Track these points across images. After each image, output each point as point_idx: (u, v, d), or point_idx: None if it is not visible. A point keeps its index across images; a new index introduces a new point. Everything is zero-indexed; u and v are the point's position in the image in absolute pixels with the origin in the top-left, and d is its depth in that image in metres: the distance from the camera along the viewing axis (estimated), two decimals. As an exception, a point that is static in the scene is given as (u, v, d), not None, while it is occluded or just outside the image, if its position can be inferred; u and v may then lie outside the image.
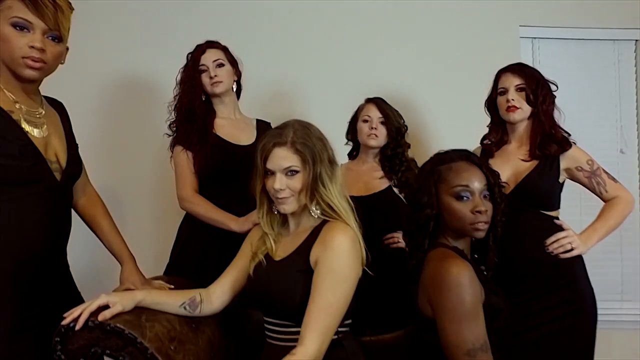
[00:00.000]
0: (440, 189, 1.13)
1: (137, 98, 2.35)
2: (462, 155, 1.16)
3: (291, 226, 1.19)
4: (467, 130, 2.13)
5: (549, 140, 1.46)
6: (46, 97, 1.26)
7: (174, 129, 1.56)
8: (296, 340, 1.05)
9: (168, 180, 2.30)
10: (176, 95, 1.57)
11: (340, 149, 1.84)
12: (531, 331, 1.38)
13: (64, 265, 1.23)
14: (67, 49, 1.19)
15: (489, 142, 1.57)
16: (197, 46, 1.60)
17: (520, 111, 1.48)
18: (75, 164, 1.21)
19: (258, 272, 1.17)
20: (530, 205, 1.44)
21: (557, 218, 1.48)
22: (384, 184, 1.63)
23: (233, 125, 1.62)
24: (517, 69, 1.52)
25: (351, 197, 1.55)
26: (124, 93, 2.35)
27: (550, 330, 1.38)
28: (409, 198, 1.19)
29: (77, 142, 1.30)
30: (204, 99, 1.60)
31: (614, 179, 1.48)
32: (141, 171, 2.33)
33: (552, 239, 1.38)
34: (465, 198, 1.10)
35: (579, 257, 1.43)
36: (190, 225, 1.56)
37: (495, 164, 1.49)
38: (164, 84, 2.31)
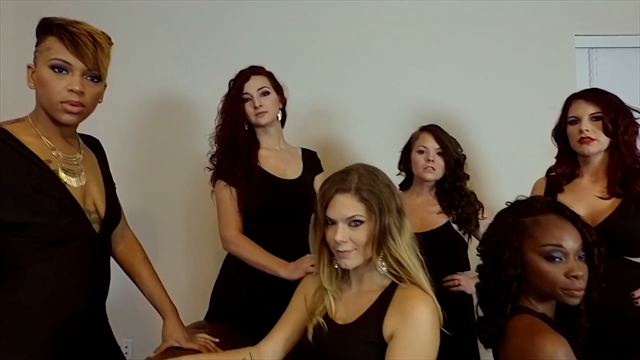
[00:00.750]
0: (525, 245, 0.98)
1: (170, 120, 2.29)
2: (551, 206, 1.01)
3: (353, 283, 1.07)
4: (523, 151, 2.01)
5: (633, 177, 1.30)
6: (81, 135, 1.18)
7: (216, 162, 1.45)
8: None
9: (201, 202, 2.22)
10: (217, 126, 1.46)
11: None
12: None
13: (104, 319, 1.15)
14: (105, 85, 1.10)
15: (557, 175, 1.41)
16: (241, 73, 1.48)
17: (597, 143, 1.31)
18: (114, 212, 1.12)
19: (318, 338, 1.05)
20: (612, 251, 1.28)
21: None
22: (441, 219, 1.50)
23: (278, 157, 1.50)
24: (592, 95, 1.35)
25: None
26: (157, 115, 2.28)
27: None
28: (484, 251, 1.05)
29: (110, 163, 1.22)
30: (246, 128, 1.48)
31: None
32: (174, 193, 2.26)
33: None
34: (557, 259, 0.96)
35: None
36: (234, 267, 1.44)
37: (566, 200, 1.34)
38: (198, 106, 2.25)
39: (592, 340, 1.26)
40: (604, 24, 2.14)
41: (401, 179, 1.63)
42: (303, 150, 1.61)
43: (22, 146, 0.97)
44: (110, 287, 1.42)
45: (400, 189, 1.63)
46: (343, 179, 1.02)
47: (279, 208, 1.41)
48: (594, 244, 0.97)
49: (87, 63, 0.97)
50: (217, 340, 1.21)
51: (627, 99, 2.08)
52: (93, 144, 1.20)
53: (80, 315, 1.02)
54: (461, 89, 2.12)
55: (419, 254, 1.05)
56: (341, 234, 0.99)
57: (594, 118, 1.33)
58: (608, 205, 1.31)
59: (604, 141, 1.32)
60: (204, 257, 2.24)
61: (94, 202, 1.07)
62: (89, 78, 1.00)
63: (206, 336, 1.21)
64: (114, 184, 1.23)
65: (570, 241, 0.96)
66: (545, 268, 0.96)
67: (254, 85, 1.45)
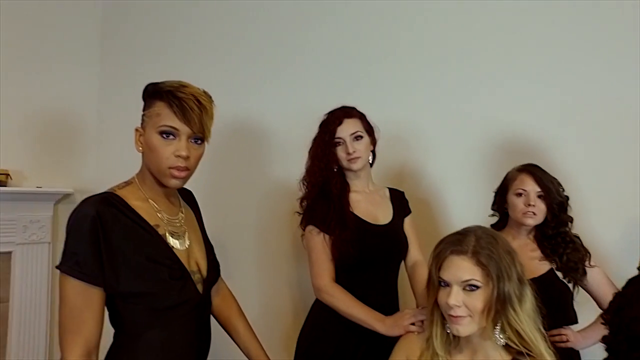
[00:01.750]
0: None
1: (241, 146, 2.32)
2: None
3: (466, 351, 1.02)
4: (629, 186, 1.82)
5: None
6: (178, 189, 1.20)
7: (306, 206, 1.43)
8: None
9: (272, 228, 2.26)
10: (308, 169, 1.44)
11: (478, 214, 1.64)
12: None
13: None
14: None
15: None
16: (332, 115, 1.45)
17: None
18: (214, 270, 1.14)
19: None
20: None
21: None
22: (544, 267, 1.39)
23: (368, 201, 1.47)
24: None
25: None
26: (229, 142, 2.32)
27: None
28: (616, 323, 0.95)
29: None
30: (335, 169, 1.45)
31: None
32: (246, 219, 2.29)
33: None
34: None
35: None
36: (324, 314, 1.40)
37: None
38: (269, 133, 2.27)
39: None
40: None
41: (494, 219, 1.54)
42: (390, 190, 1.57)
43: (134, 212, 1.00)
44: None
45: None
46: (460, 241, 0.99)
47: (373, 256, 1.38)
48: None
49: (193, 128, 0.99)
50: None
51: None
52: (189, 198, 1.22)
53: None
54: (553, 113, 1.94)
55: (540, 326, 0.98)
56: (455, 298, 0.95)
57: None
58: None
59: None
60: (275, 283, 2.26)
61: (197, 262, 1.08)
62: (193, 141, 1.02)
63: None
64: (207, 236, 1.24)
65: None
66: None
67: (346, 130, 1.41)
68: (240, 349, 1.25)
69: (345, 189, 1.43)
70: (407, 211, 1.56)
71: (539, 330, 0.97)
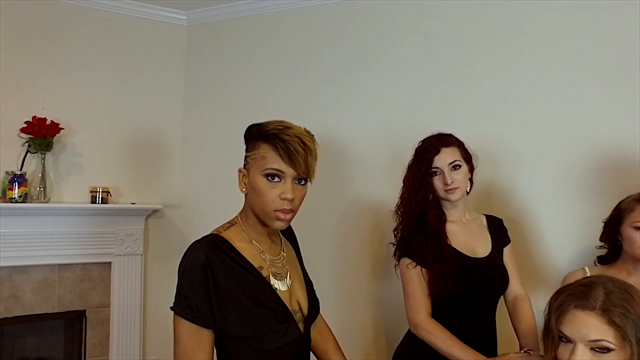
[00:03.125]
0: None
1: (324, 161, 2.32)
2: None
3: None
4: None
5: None
6: None
7: (400, 237, 1.39)
8: None
9: (350, 247, 2.25)
10: (403, 199, 1.39)
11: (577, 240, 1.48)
12: None
13: None
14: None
15: None
16: (428, 144, 1.39)
17: None
18: (315, 307, 1.13)
19: None
20: None
21: None
22: (665, 308, 1.25)
23: (466, 231, 1.40)
24: None
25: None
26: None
27: None
28: None
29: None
30: (430, 198, 1.39)
31: None
32: (327, 235, 2.30)
33: None
34: None
35: None
36: (418, 350, 1.34)
37: None
38: (351, 147, 2.26)
39: None
40: None
41: (602, 251, 1.41)
42: (488, 218, 1.49)
43: (239, 255, 1.00)
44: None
45: (599, 262, 1.41)
46: (585, 294, 0.90)
47: (472, 291, 1.31)
48: None
49: (299, 170, 0.99)
50: None
51: None
52: (289, 233, 1.22)
53: None
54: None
55: None
56: (580, 357, 0.86)
57: None
58: None
59: None
60: (355, 301, 2.25)
61: (298, 301, 1.08)
62: (297, 182, 1.01)
63: None
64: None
65: None
66: None
67: (445, 159, 1.35)
68: None
69: (442, 219, 1.38)
70: (507, 240, 1.47)
71: None
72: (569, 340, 0.89)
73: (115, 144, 2.44)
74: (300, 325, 1.05)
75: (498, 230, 1.46)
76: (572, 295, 0.91)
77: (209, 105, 2.58)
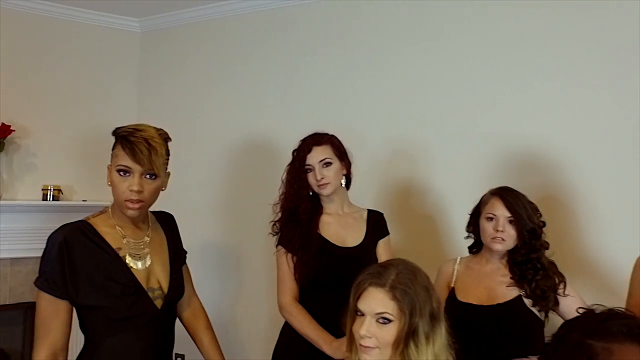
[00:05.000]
0: None
1: (254, 161, 2.46)
2: (633, 332, 0.81)
3: None
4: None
5: None
6: (156, 213, 1.35)
7: (277, 229, 1.52)
8: None
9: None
10: (281, 195, 1.52)
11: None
12: None
13: None
14: (169, 173, 1.27)
15: None
16: (303, 143, 1.51)
17: None
18: (177, 288, 1.27)
19: None
20: None
21: None
22: (512, 293, 1.33)
23: (340, 223, 1.51)
24: None
25: (470, 305, 1.34)
26: (242, 156, 2.48)
27: None
28: None
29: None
30: (311, 193, 1.51)
31: None
32: (257, 230, 2.41)
33: None
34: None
35: None
36: (290, 333, 1.47)
37: None
38: (279, 148, 2.38)
39: None
40: None
41: (470, 241, 1.50)
42: (369, 212, 1.59)
43: (100, 237, 1.18)
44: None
45: (470, 252, 1.50)
46: (380, 274, 1.02)
47: (335, 277, 1.41)
48: None
49: (143, 166, 1.14)
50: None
51: None
52: (165, 220, 1.36)
53: None
54: (561, 127, 1.85)
55: None
56: (366, 329, 0.98)
57: None
58: None
59: None
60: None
61: (158, 280, 1.23)
62: (147, 176, 1.17)
63: None
64: (184, 253, 1.38)
65: None
66: None
67: (315, 157, 1.47)
68: (204, 358, 1.37)
69: (316, 212, 1.49)
70: (384, 233, 1.57)
71: None
72: (362, 314, 1.00)
73: (70, 145, 2.59)
74: (158, 302, 1.20)
75: (376, 223, 1.56)
76: (370, 274, 1.02)
77: (161, 109, 2.72)
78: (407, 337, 0.96)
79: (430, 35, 2.09)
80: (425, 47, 2.09)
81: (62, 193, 2.51)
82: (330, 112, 2.28)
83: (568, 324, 0.91)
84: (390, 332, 0.97)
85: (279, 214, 1.51)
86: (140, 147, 1.13)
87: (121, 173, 1.15)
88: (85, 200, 2.57)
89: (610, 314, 0.85)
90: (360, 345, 0.99)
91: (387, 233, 1.58)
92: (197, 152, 2.60)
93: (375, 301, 0.98)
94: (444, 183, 2.06)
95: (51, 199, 2.45)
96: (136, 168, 1.14)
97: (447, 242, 2.04)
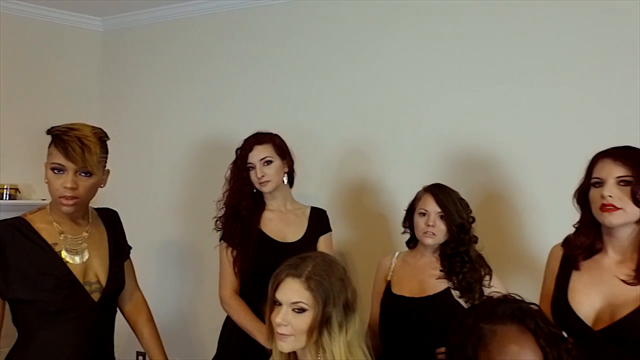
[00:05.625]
0: (480, 356, 0.89)
1: (212, 158, 2.47)
2: (514, 314, 0.88)
3: None
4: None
5: None
6: (99, 210, 1.37)
7: (220, 225, 1.56)
8: None
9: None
10: (224, 192, 1.56)
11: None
12: None
13: None
14: (108, 171, 1.29)
15: (575, 247, 1.21)
16: (245, 142, 1.57)
17: (621, 213, 1.08)
18: (115, 281, 1.29)
19: None
20: (633, 353, 1.06)
21: None
22: (441, 285, 1.39)
23: (282, 219, 1.56)
24: (622, 155, 1.11)
25: (403, 297, 1.39)
26: (201, 153, 2.50)
27: None
28: (447, 349, 0.97)
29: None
30: (255, 191, 1.56)
31: None
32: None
33: None
34: (509, 381, 0.85)
35: None
36: (231, 325, 1.52)
37: (582, 280, 1.16)
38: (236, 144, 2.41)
39: None
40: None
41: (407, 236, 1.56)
42: (312, 209, 1.64)
43: (35, 233, 1.20)
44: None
45: (408, 247, 1.56)
46: (297, 265, 1.06)
47: (272, 270, 1.45)
48: None
49: (76, 164, 1.16)
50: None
51: None
52: (107, 217, 1.38)
53: None
54: (506, 121, 1.92)
55: (366, 352, 1.03)
56: (282, 317, 1.02)
57: (621, 182, 1.10)
58: (633, 296, 1.08)
59: (631, 212, 1.09)
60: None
61: (96, 274, 1.25)
62: (81, 174, 1.19)
63: None
64: (128, 249, 1.40)
65: None
66: None
67: (257, 155, 1.52)
68: (144, 350, 1.40)
69: (258, 208, 1.54)
70: (325, 230, 1.62)
71: (363, 355, 1.03)
72: (280, 303, 1.04)
73: (30, 144, 2.56)
74: (95, 295, 1.23)
75: (318, 220, 1.62)
76: (288, 266, 1.06)
77: (124, 108, 2.72)
78: (321, 326, 1.00)
79: (381, 37, 2.15)
80: (376, 50, 2.16)
81: (19, 192, 2.50)
82: (287, 113, 2.32)
83: (467, 310, 0.98)
84: (305, 320, 1.01)
85: (222, 211, 1.54)
86: (73, 145, 1.15)
87: (55, 171, 1.17)
88: (44, 200, 2.55)
89: (500, 300, 0.93)
90: (277, 332, 1.03)
91: (329, 230, 1.63)
92: (159, 151, 2.62)
93: (291, 291, 1.02)
94: (395, 182, 2.12)
95: (7, 198, 2.43)
96: (69, 166, 1.17)
97: (399, 238, 2.07)
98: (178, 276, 2.57)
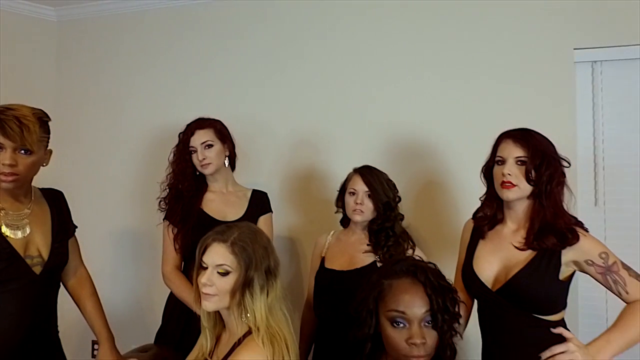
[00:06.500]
0: (379, 307, 1.01)
1: (172, 148, 2.52)
2: (409, 269, 1.02)
3: (225, 324, 1.18)
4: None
5: (548, 231, 1.20)
6: (44, 190, 1.41)
7: (164, 206, 1.63)
8: None
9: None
10: (168, 175, 1.63)
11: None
12: None
13: (52, 342, 1.37)
14: (50, 151, 1.33)
15: (481, 218, 1.35)
16: (187, 126, 1.64)
17: (517, 190, 1.23)
18: (58, 256, 1.34)
19: None
20: (521, 309, 1.21)
21: (563, 321, 1.22)
22: (368, 259, 1.50)
23: (222, 200, 1.64)
24: (520, 136, 1.25)
25: (333, 271, 1.50)
26: (158, 143, 2.54)
27: None
28: (354, 305, 1.08)
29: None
30: (198, 174, 1.64)
31: (637, 276, 1.17)
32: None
33: (548, 353, 1.10)
34: (400, 325, 0.97)
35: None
36: (174, 300, 1.61)
37: (486, 248, 1.30)
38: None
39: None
40: (607, 36, 1.93)
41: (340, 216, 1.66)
42: (254, 191, 1.73)
43: None
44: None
45: (342, 226, 1.66)
46: (224, 231, 1.14)
47: None
48: (439, 311, 0.96)
49: (14, 141, 1.21)
50: (144, 364, 1.37)
51: (637, 115, 1.90)
52: (52, 196, 1.43)
53: (17, 343, 1.24)
54: (449, 111, 2.05)
55: (286, 314, 1.13)
56: (207, 277, 1.10)
57: (519, 162, 1.24)
58: (521, 259, 1.23)
59: (524, 188, 1.23)
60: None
61: (38, 248, 1.30)
62: (21, 152, 1.23)
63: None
64: (73, 228, 1.45)
65: (415, 308, 0.96)
66: (390, 333, 0.98)
67: (198, 139, 1.60)
68: (88, 323, 1.46)
69: (200, 189, 1.62)
70: (265, 210, 1.71)
71: (283, 317, 1.12)
72: (206, 266, 1.12)
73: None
74: (37, 268, 1.28)
75: (259, 201, 1.71)
76: (215, 232, 1.15)
77: (80, 99, 2.73)
78: (244, 287, 1.09)
79: (327, 32, 2.24)
80: (322, 44, 2.24)
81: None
82: (241, 105, 2.39)
83: (377, 271, 1.09)
84: (228, 282, 1.09)
85: (166, 192, 1.61)
86: (11, 124, 1.20)
87: None
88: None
89: (400, 260, 1.05)
90: (202, 292, 1.11)
91: (269, 211, 1.72)
92: (116, 140, 2.64)
93: (217, 255, 1.10)
94: (341, 169, 2.18)
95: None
96: (7, 143, 1.21)
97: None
98: (133, 264, 2.61)
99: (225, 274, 1.09)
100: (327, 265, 1.54)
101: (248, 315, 1.09)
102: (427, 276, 1.00)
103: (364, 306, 1.03)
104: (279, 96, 2.33)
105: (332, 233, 1.64)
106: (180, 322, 1.59)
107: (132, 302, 2.60)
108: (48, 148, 1.34)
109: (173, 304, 1.62)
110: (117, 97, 2.65)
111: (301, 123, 2.29)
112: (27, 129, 1.22)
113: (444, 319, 0.96)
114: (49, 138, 1.33)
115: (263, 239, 1.16)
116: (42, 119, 1.29)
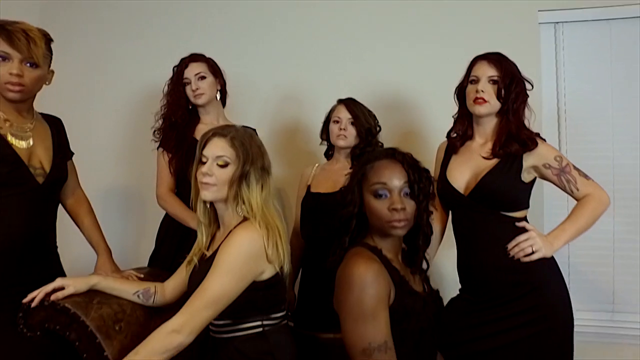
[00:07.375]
0: (363, 187, 1.13)
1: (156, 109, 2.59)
2: (387, 153, 1.14)
3: (220, 222, 1.25)
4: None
5: (512, 140, 1.36)
6: (44, 114, 1.47)
7: (159, 136, 1.71)
8: (228, 332, 1.15)
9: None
10: (162, 106, 1.72)
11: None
12: (495, 338, 1.31)
13: (51, 253, 1.41)
14: (53, 72, 1.39)
15: (454, 136, 1.50)
16: (181, 60, 1.73)
17: (488, 105, 1.38)
18: (58, 170, 1.39)
19: (192, 274, 1.24)
20: (489, 207, 1.36)
21: (525, 218, 1.38)
22: (348, 181, 1.63)
23: None
24: (494, 59, 1.40)
25: (319, 194, 1.60)
26: (145, 104, 2.59)
27: (514, 338, 1.29)
28: (340, 196, 1.20)
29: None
30: (190, 107, 1.72)
31: (585, 176, 1.36)
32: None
33: (513, 242, 1.28)
34: (383, 196, 1.08)
35: (549, 261, 1.31)
36: (167, 224, 1.70)
37: (457, 160, 1.44)
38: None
39: (469, 291, 1.36)
40: (569, -1, 2.11)
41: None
42: (243, 126, 1.81)
43: None
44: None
45: (326, 158, 1.78)
46: (223, 128, 1.24)
47: None
48: (416, 181, 1.08)
49: (21, 53, 1.26)
50: (142, 276, 1.44)
51: (596, 73, 2.08)
52: (52, 121, 1.48)
53: (20, 245, 1.29)
54: (420, 70, 2.19)
55: (278, 209, 1.23)
56: (207, 168, 1.17)
57: (491, 81, 1.39)
58: (488, 165, 1.39)
59: (494, 104, 1.39)
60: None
61: (40, 161, 1.35)
62: (27, 64, 1.28)
63: (132, 272, 1.45)
64: (70, 153, 1.51)
65: (395, 179, 1.08)
66: (374, 204, 1.09)
67: (192, 71, 1.69)
68: (86, 238, 1.52)
69: (193, 120, 1.72)
70: None
71: (274, 209, 1.21)
72: (206, 160, 1.19)
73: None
74: (39, 179, 1.33)
75: None
76: (215, 128, 1.23)
77: (67, 56, 2.67)
78: (241, 178, 1.17)
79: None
80: (309, 4, 2.35)
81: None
82: (226, 61, 2.43)
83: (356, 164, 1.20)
84: (227, 172, 1.17)
85: (160, 122, 1.70)
86: (18, 35, 1.24)
87: (0, 58, 1.25)
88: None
89: (379, 149, 1.17)
90: (202, 183, 1.18)
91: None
92: (102, 99, 2.66)
93: (217, 147, 1.18)
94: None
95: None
96: (15, 54, 1.26)
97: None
98: (121, 221, 2.65)
99: (224, 165, 1.17)
100: (313, 190, 1.65)
101: (244, 205, 1.17)
102: (403, 156, 1.13)
103: (349, 189, 1.14)
104: (264, 54, 2.42)
105: (316, 166, 1.76)
106: (172, 246, 1.66)
107: (119, 257, 2.61)
108: (50, 68, 1.39)
109: (166, 227, 1.70)
110: (105, 54, 2.68)
111: (286, 79, 2.39)
112: (33, 42, 1.26)
113: (420, 189, 1.09)
114: (51, 58, 1.39)
115: (258, 140, 1.26)
116: (47, 36, 1.34)
